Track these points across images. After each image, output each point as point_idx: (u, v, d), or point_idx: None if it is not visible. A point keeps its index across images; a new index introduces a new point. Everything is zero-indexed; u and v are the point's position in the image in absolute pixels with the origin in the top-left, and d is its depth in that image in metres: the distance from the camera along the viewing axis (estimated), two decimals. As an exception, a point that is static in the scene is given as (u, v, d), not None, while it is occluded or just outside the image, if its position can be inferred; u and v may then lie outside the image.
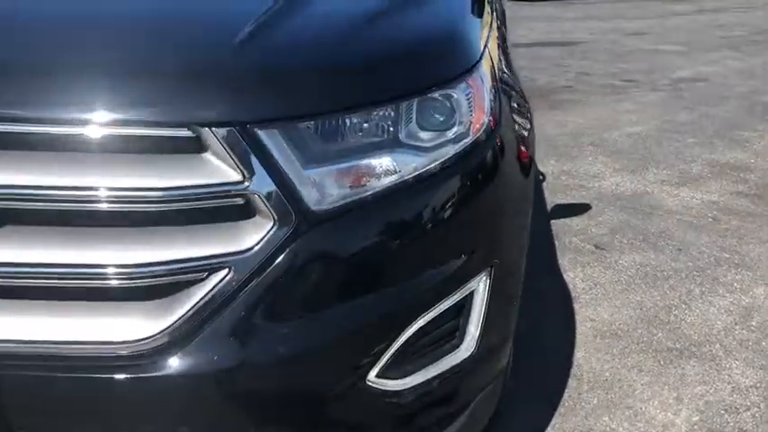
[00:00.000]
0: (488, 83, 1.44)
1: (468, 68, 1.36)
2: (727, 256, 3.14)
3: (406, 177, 1.25)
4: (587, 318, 2.59)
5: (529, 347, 2.36)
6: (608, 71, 7.39)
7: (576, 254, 3.13)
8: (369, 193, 1.21)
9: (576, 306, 2.69)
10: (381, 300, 1.20)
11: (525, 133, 1.66)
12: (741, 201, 3.82)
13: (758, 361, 2.35)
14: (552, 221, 3.51)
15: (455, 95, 1.32)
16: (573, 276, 2.93)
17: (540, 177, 4.21)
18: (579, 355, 2.36)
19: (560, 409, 2.08)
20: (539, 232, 3.37)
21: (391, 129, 1.24)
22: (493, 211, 1.38)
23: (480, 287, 1.35)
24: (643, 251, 3.17)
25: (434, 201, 1.27)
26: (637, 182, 4.08)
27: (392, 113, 1.24)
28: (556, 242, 3.27)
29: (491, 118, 1.41)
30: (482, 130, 1.37)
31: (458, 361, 1.33)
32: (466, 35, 1.44)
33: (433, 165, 1.28)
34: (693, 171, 4.29)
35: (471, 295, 1.33)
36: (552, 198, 3.87)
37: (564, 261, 3.07)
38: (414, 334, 1.25)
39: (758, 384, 2.23)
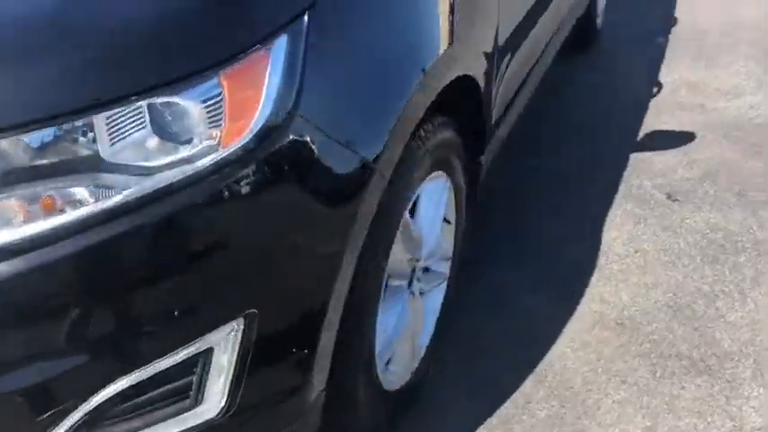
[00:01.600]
0: (283, 60, 1.08)
1: (220, 60, 1.03)
2: None
3: (105, 207, 1.00)
4: (596, 298, 2.14)
5: (494, 344, 2.01)
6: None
7: (638, 204, 2.58)
8: (40, 232, 0.98)
9: (593, 279, 2.22)
10: (49, 364, 1.01)
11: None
12: None
13: None
14: (633, 155, 2.91)
15: (182, 103, 1.01)
16: (615, 236, 2.42)
17: (655, 90, 3.50)
18: (556, 352, 1.96)
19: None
20: (606, 170, 2.81)
21: (83, 147, 0.99)
22: (247, 251, 1.08)
23: (225, 341, 1.09)
24: (727, 208, 2.52)
25: (145, 240, 1.02)
26: (780, 103, 3.23)
27: (80, 129, 0.98)
28: (621, 187, 2.70)
29: (277, 118, 1.07)
30: (244, 141, 1.05)
31: (199, 420, 1.12)
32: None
33: (149, 191, 1.01)
34: None
35: (210, 351, 1.09)
36: (655, 121, 3.20)
37: (617, 213, 2.54)
38: (113, 397, 1.05)
39: None
